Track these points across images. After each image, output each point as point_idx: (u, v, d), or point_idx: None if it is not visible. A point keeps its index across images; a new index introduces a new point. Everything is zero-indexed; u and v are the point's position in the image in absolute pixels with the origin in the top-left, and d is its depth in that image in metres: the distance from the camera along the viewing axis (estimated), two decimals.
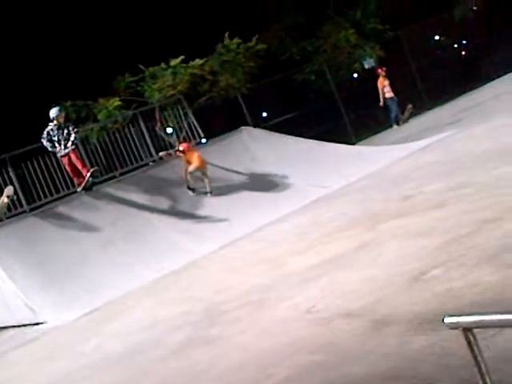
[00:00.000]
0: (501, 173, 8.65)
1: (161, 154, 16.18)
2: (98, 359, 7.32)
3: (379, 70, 21.61)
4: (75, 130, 13.53)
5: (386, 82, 21.31)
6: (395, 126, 21.35)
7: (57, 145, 13.36)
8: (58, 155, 13.68)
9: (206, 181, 13.88)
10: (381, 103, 21.28)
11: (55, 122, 13.32)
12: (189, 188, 13.91)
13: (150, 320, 8.21)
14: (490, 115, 14.65)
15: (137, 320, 8.53)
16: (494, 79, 23.19)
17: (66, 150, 13.31)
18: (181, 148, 14.46)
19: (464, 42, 28.59)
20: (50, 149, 13.59)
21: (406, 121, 21.64)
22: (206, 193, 13.88)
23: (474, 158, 10.55)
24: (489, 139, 11.75)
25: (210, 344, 6.36)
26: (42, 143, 13.58)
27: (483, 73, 24.79)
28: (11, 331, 10.72)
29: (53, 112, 13.40)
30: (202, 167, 13.94)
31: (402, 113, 21.73)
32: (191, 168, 13.88)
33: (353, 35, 23.41)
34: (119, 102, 17.96)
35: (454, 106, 21.13)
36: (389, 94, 21.26)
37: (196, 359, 6.05)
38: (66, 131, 13.31)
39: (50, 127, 13.36)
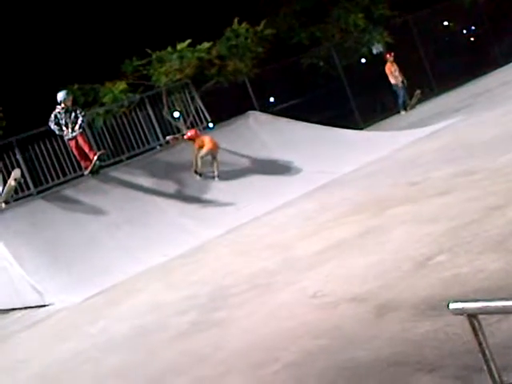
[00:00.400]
0: (509, 160, 8.62)
1: (168, 138, 16.22)
2: (105, 341, 7.37)
3: (387, 56, 21.52)
4: (82, 113, 13.56)
5: (394, 68, 21.22)
6: (403, 112, 21.29)
7: (64, 128, 13.39)
8: (66, 138, 13.74)
9: (215, 165, 13.86)
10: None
11: (63, 105, 13.36)
12: (196, 172, 13.90)
13: (156, 303, 8.25)
14: (499, 102, 14.59)
15: (143, 303, 8.57)
16: (502, 65, 23.10)
17: (74, 134, 13.35)
18: (189, 134, 14.43)
19: (473, 27, 28.42)
20: (57, 132, 13.64)
21: (413, 106, 21.57)
22: (213, 177, 13.88)
23: (482, 145, 10.52)
24: (497, 126, 11.70)
25: (216, 327, 6.39)
26: (49, 126, 13.62)
27: (492, 59, 24.67)
28: (18, 313, 10.79)
29: (60, 95, 13.43)
30: (214, 149, 13.88)
31: (410, 98, 21.66)
32: (204, 151, 13.82)
33: (361, 19, 23.26)
34: (125, 86, 17.96)
35: (462, 92, 21.05)
36: (397, 79, 21.18)
37: (202, 342, 6.08)
38: (73, 114, 13.35)
39: (57, 110, 13.40)
